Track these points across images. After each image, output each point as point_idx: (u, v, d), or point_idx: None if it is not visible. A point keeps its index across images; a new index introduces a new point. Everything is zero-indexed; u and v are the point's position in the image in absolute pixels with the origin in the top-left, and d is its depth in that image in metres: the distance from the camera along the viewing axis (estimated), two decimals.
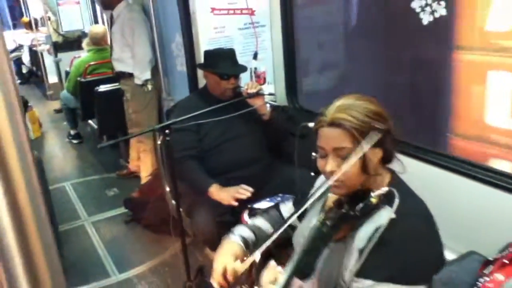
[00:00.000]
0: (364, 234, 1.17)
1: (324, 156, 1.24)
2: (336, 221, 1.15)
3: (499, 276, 1.11)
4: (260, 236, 1.52)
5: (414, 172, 1.69)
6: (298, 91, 2.88)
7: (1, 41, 0.35)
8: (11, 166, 0.37)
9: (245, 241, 1.47)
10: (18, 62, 9.33)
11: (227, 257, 1.37)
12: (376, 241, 1.12)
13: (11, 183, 0.38)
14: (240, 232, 1.51)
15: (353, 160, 1.15)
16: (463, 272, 1.68)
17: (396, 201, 1.14)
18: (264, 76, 2.95)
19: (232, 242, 1.45)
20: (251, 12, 2.80)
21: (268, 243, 1.22)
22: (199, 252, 2.81)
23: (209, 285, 1.36)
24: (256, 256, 1.25)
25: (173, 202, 2.39)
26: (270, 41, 2.92)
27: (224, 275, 1.34)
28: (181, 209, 2.36)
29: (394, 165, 1.35)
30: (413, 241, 1.15)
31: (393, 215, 1.13)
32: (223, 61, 2.42)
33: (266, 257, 1.26)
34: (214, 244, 2.46)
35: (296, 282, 1.33)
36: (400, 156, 1.37)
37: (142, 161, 3.88)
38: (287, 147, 2.51)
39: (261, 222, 1.59)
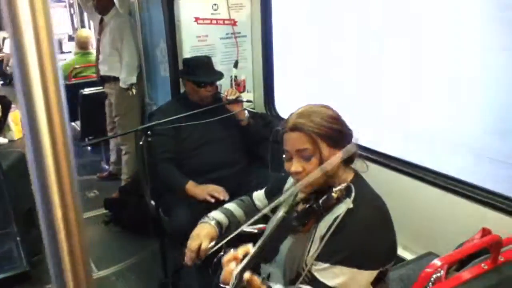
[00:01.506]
0: (325, 223, 1.30)
1: (290, 158, 1.37)
2: (301, 213, 1.28)
3: (437, 262, 1.25)
4: (232, 221, 1.66)
5: (377, 177, 1.82)
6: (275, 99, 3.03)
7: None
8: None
9: (219, 225, 1.60)
10: (2, 63, 9.29)
11: (203, 238, 1.52)
12: (334, 228, 1.26)
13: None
14: (215, 216, 1.64)
15: (329, 166, 1.29)
16: (420, 270, 1.83)
17: (353, 194, 1.28)
18: (244, 84, 3.09)
19: (208, 225, 1.58)
20: (233, 23, 2.94)
21: (234, 233, 1.36)
22: (177, 252, 2.90)
23: (185, 283, 1.46)
24: (224, 242, 1.39)
25: (152, 202, 2.48)
26: (250, 51, 3.07)
27: (197, 253, 1.48)
28: (160, 209, 2.47)
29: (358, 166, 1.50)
30: (365, 228, 1.28)
31: (351, 205, 1.27)
32: (200, 69, 2.53)
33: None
34: None
35: (266, 268, 1.46)
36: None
37: (124, 163, 3.96)
38: (264, 152, 2.64)
39: (234, 208, 1.71)
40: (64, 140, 0.43)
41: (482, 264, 1.37)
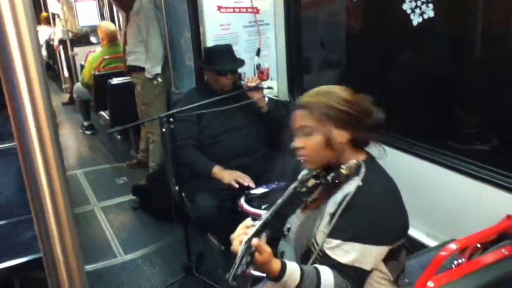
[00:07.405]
0: (335, 200, 1.33)
1: (296, 136, 1.42)
2: (310, 188, 1.31)
3: (452, 246, 1.23)
4: None
5: (399, 163, 1.79)
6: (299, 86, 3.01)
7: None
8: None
9: None
10: None
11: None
12: (345, 205, 1.29)
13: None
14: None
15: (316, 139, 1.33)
16: None
17: (363, 170, 1.30)
18: (268, 72, 3.09)
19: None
20: (256, 11, 2.94)
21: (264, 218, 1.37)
22: (201, 237, 2.96)
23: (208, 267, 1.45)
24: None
25: (176, 188, 2.53)
26: (274, 39, 3.06)
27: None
28: (183, 195, 2.52)
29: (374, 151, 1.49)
30: (376, 205, 1.30)
31: (360, 183, 1.29)
32: (220, 58, 2.55)
33: None
34: (214, 228, 2.60)
35: (279, 246, 1.48)
36: (388, 148, 1.50)
37: (151, 152, 4.04)
38: (285, 139, 2.64)
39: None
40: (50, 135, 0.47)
41: (503, 250, 1.35)
